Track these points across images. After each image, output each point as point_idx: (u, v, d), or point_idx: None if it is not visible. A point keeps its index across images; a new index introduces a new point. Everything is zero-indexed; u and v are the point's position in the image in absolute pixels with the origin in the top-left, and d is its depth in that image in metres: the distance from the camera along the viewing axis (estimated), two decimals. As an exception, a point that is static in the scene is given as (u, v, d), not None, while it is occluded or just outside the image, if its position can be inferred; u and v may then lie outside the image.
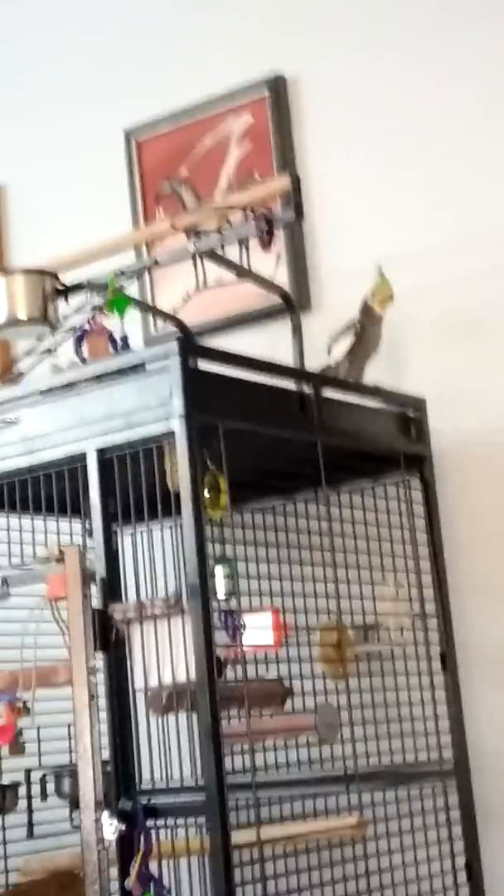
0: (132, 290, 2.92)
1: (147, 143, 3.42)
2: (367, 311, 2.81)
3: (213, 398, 2.33)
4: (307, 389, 2.55)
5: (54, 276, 2.73)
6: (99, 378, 2.43)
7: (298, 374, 2.60)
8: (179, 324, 3.12)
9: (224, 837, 2.17)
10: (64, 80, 3.63)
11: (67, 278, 2.77)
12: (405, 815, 2.68)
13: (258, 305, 3.14)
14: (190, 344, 2.36)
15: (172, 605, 2.20)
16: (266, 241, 2.64)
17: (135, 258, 3.10)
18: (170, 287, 3.31)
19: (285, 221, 2.69)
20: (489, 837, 2.78)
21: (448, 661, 2.78)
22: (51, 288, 2.73)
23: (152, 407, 2.32)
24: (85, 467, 2.40)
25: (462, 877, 2.70)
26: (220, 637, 2.28)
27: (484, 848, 2.77)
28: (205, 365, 2.36)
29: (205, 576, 2.22)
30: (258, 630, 2.52)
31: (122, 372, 2.41)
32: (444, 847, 2.69)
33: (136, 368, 2.38)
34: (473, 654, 2.84)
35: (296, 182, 2.66)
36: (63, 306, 2.75)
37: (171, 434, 2.27)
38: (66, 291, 2.75)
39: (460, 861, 2.71)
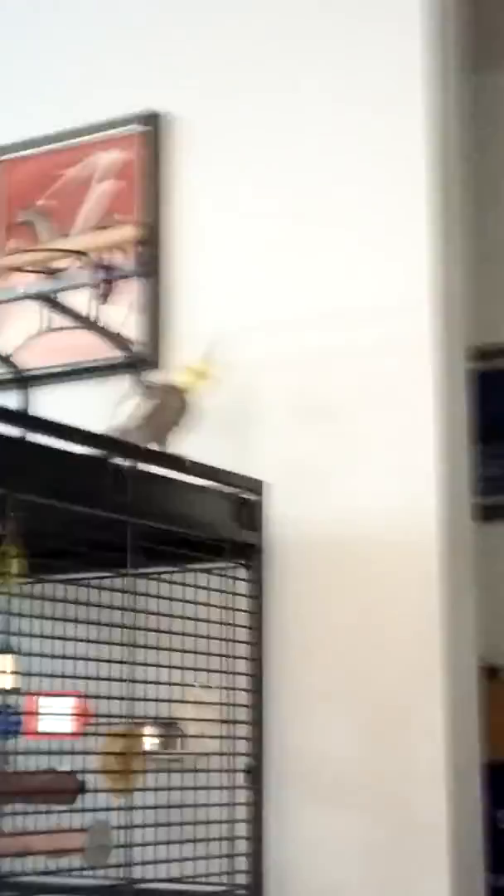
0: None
1: (7, 166, 3.13)
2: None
3: (6, 464, 2.05)
4: (123, 462, 2.27)
5: None
6: None
7: (113, 444, 2.30)
8: (14, 369, 2.86)
9: None
10: None
11: None
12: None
13: (106, 356, 2.87)
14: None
15: None
16: (104, 294, 2.40)
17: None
18: (14, 325, 3.02)
19: (127, 274, 2.42)
20: None
21: (253, 775, 2.52)
22: None
23: None
24: None
25: None
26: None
27: None
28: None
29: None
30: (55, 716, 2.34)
31: None
32: None
33: None
34: (285, 767, 2.59)
35: (146, 232, 2.40)
36: None
37: None
38: None
39: None
